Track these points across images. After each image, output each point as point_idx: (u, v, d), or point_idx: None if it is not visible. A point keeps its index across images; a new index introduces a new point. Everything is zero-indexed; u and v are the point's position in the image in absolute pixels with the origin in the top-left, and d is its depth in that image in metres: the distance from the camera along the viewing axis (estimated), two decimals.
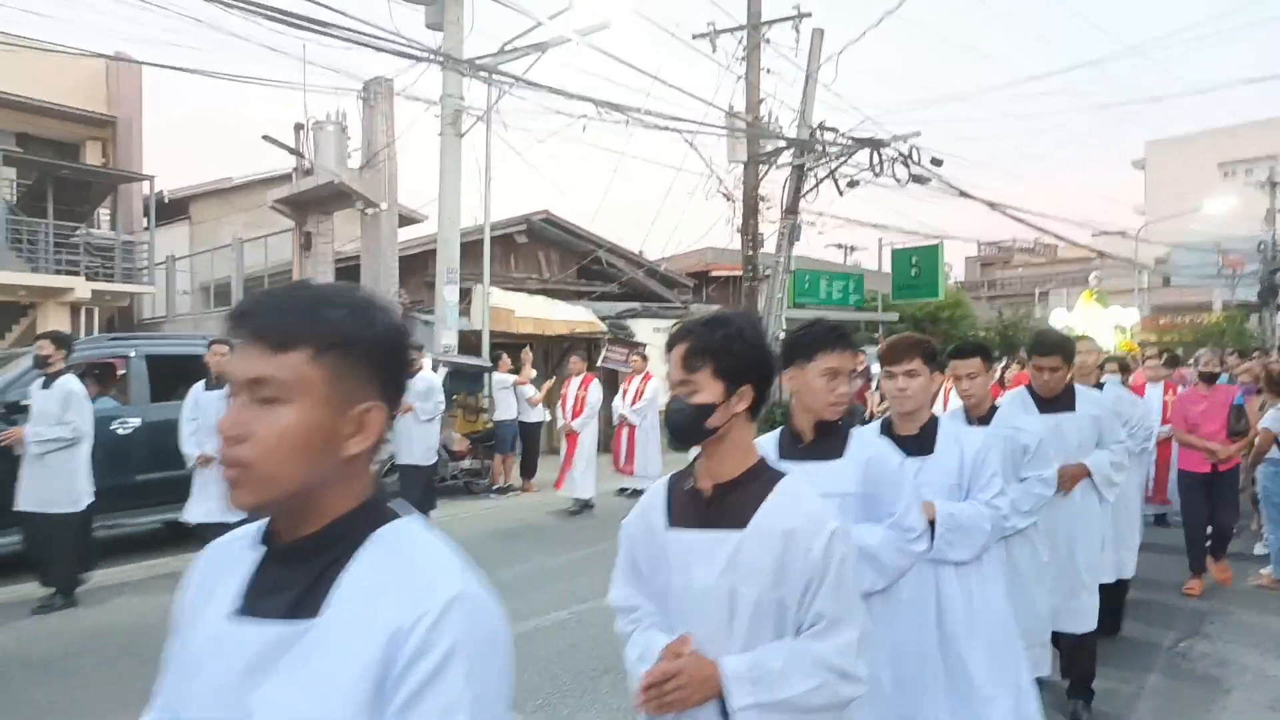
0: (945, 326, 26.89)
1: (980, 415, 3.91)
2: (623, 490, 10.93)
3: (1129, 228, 29.72)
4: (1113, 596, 5.18)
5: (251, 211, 21.87)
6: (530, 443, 12.15)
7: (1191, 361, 7.31)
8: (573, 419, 10.48)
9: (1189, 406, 6.87)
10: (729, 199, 15.79)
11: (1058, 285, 41.14)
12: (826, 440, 2.56)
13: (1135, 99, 46.41)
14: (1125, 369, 7.71)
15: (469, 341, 13.93)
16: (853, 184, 15.83)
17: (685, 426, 1.85)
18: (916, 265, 22.44)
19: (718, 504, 1.86)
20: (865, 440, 2.62)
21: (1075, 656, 4.40)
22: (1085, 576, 4.28)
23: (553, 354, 17.08)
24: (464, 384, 12.21)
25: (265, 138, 14.24)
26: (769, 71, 15.66)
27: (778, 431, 2.68)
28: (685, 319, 1.91)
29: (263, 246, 20.61)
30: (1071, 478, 4.25)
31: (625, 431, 10.96)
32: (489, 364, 12.30)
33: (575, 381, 10.78)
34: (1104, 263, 31.65)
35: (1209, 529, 6.85)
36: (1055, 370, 4.25)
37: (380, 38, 9.55)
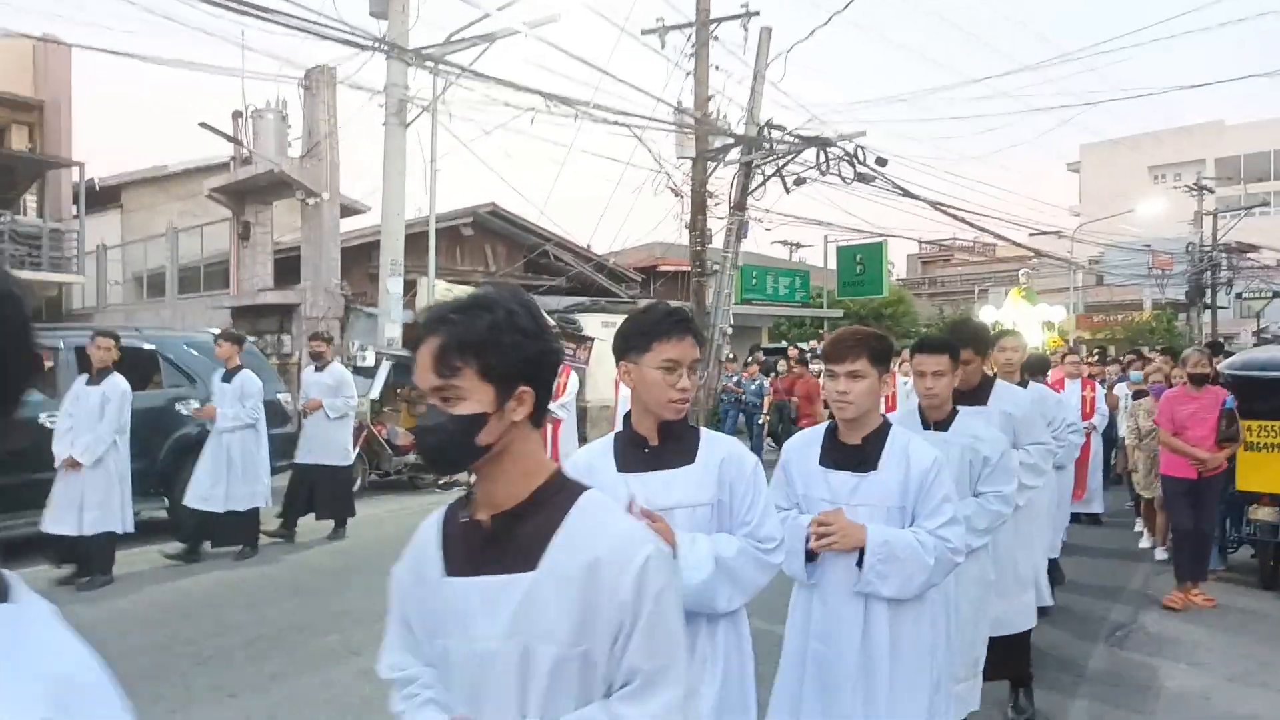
0: (889, 323, 27.32)
1: (940, 419, 3.47)
2: None
3: (1065, 228, 30.48)
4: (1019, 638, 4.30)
5: (187, 200, 21.27)
6: None
7: (1180, 361, 6.95)
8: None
9: (1177, 408, 6.35)
10: (677, 194, 15.82)
11: (996, 284, 42.02)
12: (674, 444, 2.25)
13: (1071, 103, 47.52)
14: (1043, 369, 6.99)
15: (414, 335, 13.71)
16: (799, 182, 15.97)
17: (448, 448, 1.43)
18: (861, 262, 22.76)
19: (499, 540, 1.44)
20: (717, 440, 2.32)
21: (1011, 656, 4.14)
22: (1024, 576, 4.21)
23: None
24: (408, 378, 12.03)
25: (203, 125, 13.86)
26: (718, 69, 15.73)
27: (611, 437, 2.36)
28: (436, 305, 1.49)
29: (199, 236, 20.08)
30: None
31: (549, 426, 10.86)
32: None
33: None
34: (1040, 262, 32.45)
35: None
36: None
37: (324, 24, 9.34)
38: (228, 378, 7.43)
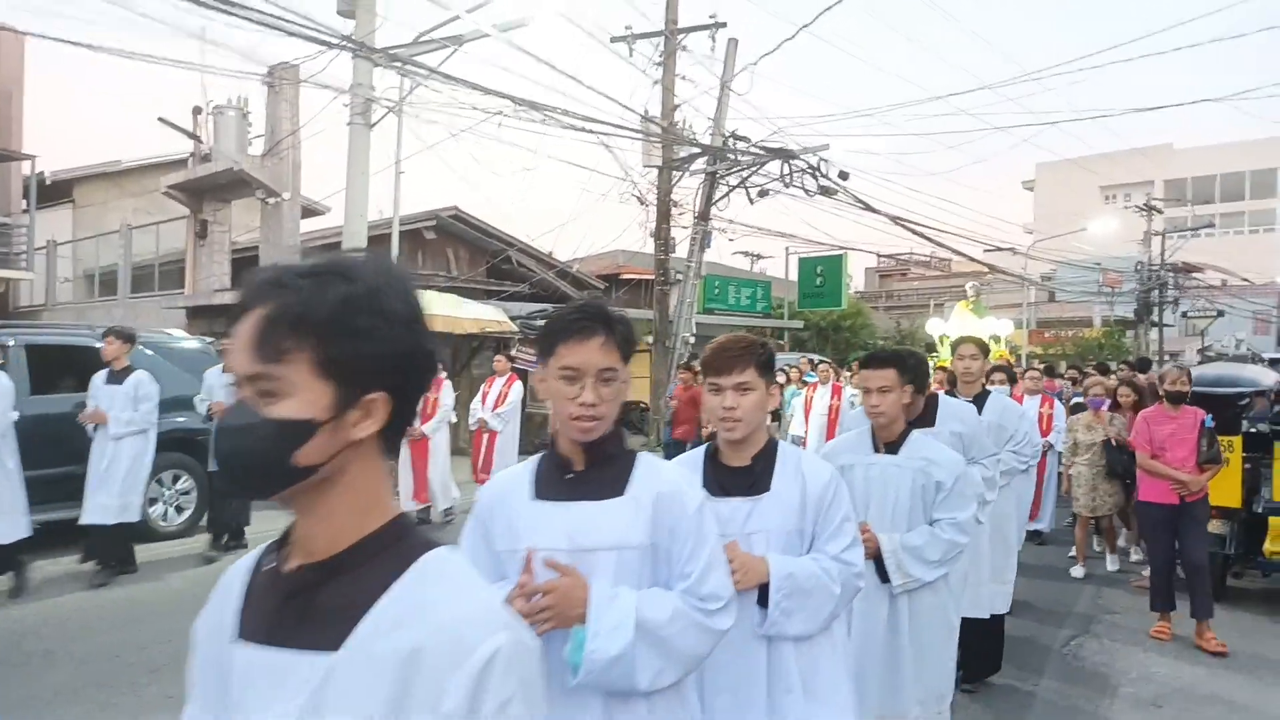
0: (847, 335, 27.64)
1: (890, 440, 3.27)
2: None
3: (1019, 245, 31.09)
4: (989, 637, 4.86)
5: (142, 197, 20.85)
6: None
7: (1157, 379, 6.71)
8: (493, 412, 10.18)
9: (1154, 428, 5.91)
10: (643, 203, 15.87)
11: (952, 298, 42.69)
12: (602, 470, 1.88)
13: (1030, 123, 48.52)
14: (1012, 378, 7.23)
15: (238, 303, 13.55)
16: (763, 193, 16.10)
17: (252, 462, 1.02)
18: (821, 275, 23.01)
19: (302, 601, 1.04)
20: (656, 469, 1.94)
21: (985, 644, 4.16)
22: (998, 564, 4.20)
23: (461, 353, 16.82)
24: None
25: (162, 120, 13.60)
26: (685, 78, 15.82)
27: (535, 459, 1.99)
28: (273, 266, 1.08)
29: (153, 233, 19.70)
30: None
31: (485, 438, 10.22)
32: None
33: (499, 380, 10.37)
34: (994, 277, 33.05)
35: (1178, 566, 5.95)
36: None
37: (290, 21, 9.22)
38: (117, 378, 6.86)
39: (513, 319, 16.35)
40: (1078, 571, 7.57)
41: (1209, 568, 5.93)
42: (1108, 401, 8.03)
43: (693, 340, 16.29)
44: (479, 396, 10.38)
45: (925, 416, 3.80)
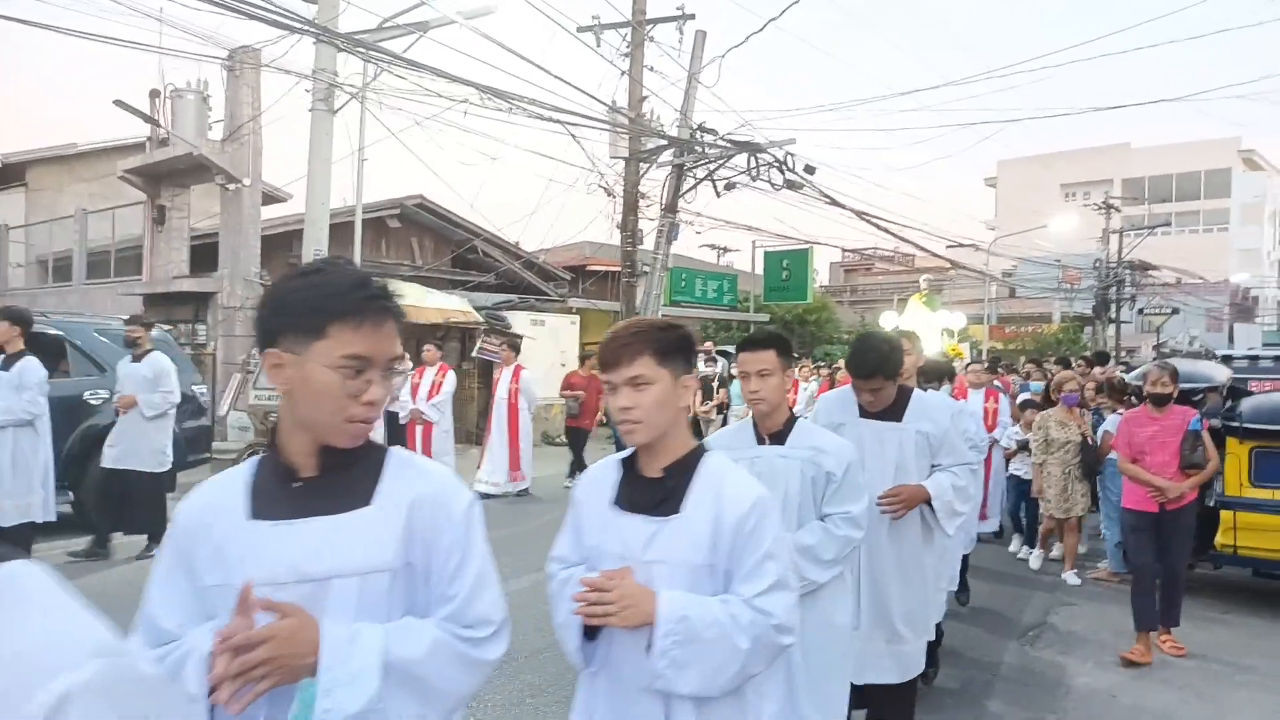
0: (812, 329, 27.82)
1: (774, 430, 2.97)
2: None
3: (981, 241, 31.48)
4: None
5: (97, 181, 20.42)
6: (394, 436, 11.67)
7: (1140, 379, 6.23)
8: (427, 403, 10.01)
9: (1135, 430, 5.63)
10: (610, 194, 15.82)
11: (914, 293, 43.18)
12: (339, 477, 1.51)
13: (993, 119, 49.10)
14: (949, 377, 6.73)
15: None
16: (730, 186, 16.12)
17: None
18: (787, 268, 23.12)
19: None
20: (413, 469, 1.58)
21: (890, 705, 3.63)
22: (909, 625, 3.55)
23: (426, 343, 16.72)
24: None
25: (118, 103, 13.29)
26: (652, 69, 15.77)
27: (249, 465, 1.58)
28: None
29: (109, 219, 19.29)
30: (908, 500, 3.45)
31: (420, 430, 9.97)
32: None
33: (430, 371, 10.22)
34: (956, 273, 33.45)
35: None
36: (879, 391, 3.49)
37: (252, 4, 9.05)
38: (5, 365, 6.39)
39: (478, 309, 16.25)
40: (1035, 561, 7.63)
41: (1182, 579, 5.70)
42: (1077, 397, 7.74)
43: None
44: (408, 388, 9.98)
45: (894, 411, 3.58)
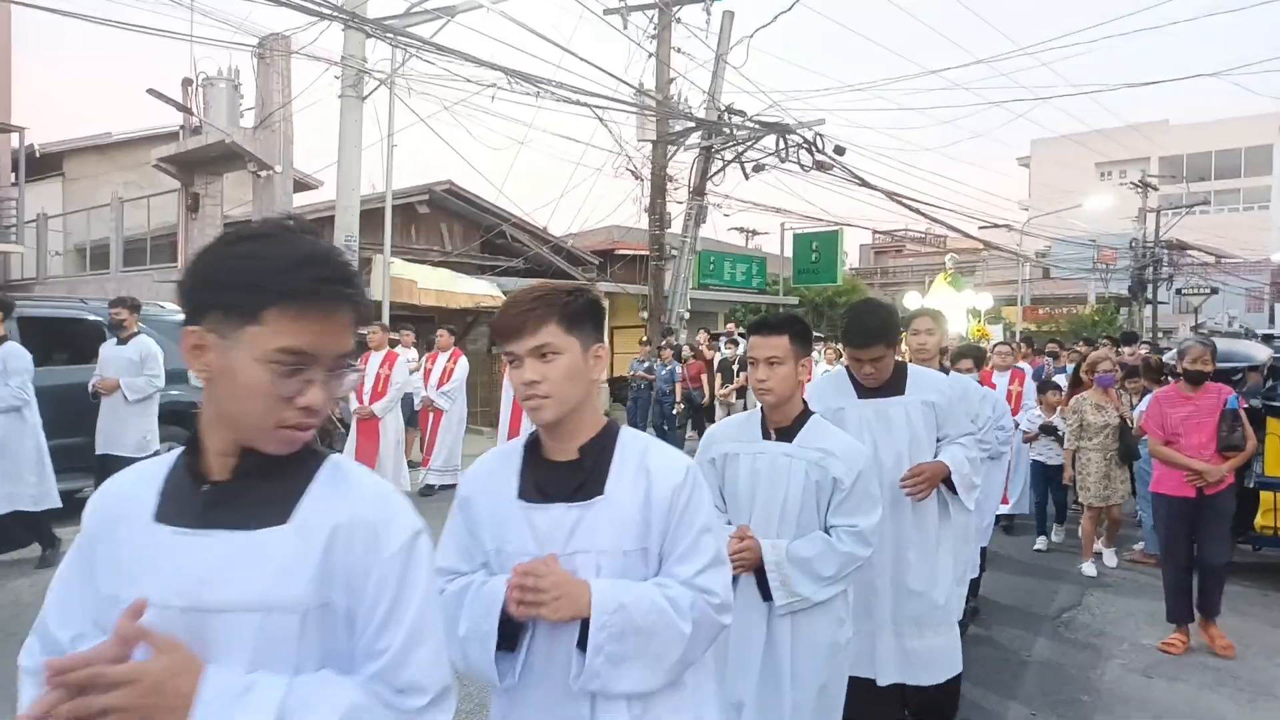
0: (842, 311, 27.63)
1: (782, 424, 2.71)
2: (429, 488, 9.52)
3: (1014, 221, 31.05)
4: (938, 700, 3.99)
5: (133, 170, 20.71)
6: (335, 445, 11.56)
7: (1175, 355, 5.85)
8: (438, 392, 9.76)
9: (1168, 411, 5.27)
10: (637, 177, 15.79)
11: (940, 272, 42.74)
12: (257, 484, 1.24)
13: (1025, 98, 48.29)
14: (979, 361, 6.35)
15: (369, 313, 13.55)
16: (759, 168, 16.04)
17: None
18: (816, 250, 22.97)
19: None
20: (348, 484, 1.29)
21: (934, 709, 3.50)
22: (935, 617, 3.33)
23: (457, 328, 16.84)
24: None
25: (151, 92, 13.45)
26: (679, 51, 15.69)
27: (169, 458, 1.32)
28: None
29: (145, 207, 19.57)
30: (930, 478, 3.24)
31: (431, 417, 9.71)
32: (394, 336, 11.96)
33: (443, 357, 9.86)
34: (989, 254, 33.05)
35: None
36: (879, 360, 3.22)
37: None
38: None
39: (506, 294, 16.33)
40: (1089, 569, 6.89)
41: (1223, 571, 5.31)
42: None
43: (687, 316, 16.27)
44: (421, 374, 9.84)
45: (893, 385, 3.34)
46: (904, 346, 4.30)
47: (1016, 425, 7.56)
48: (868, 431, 3.24)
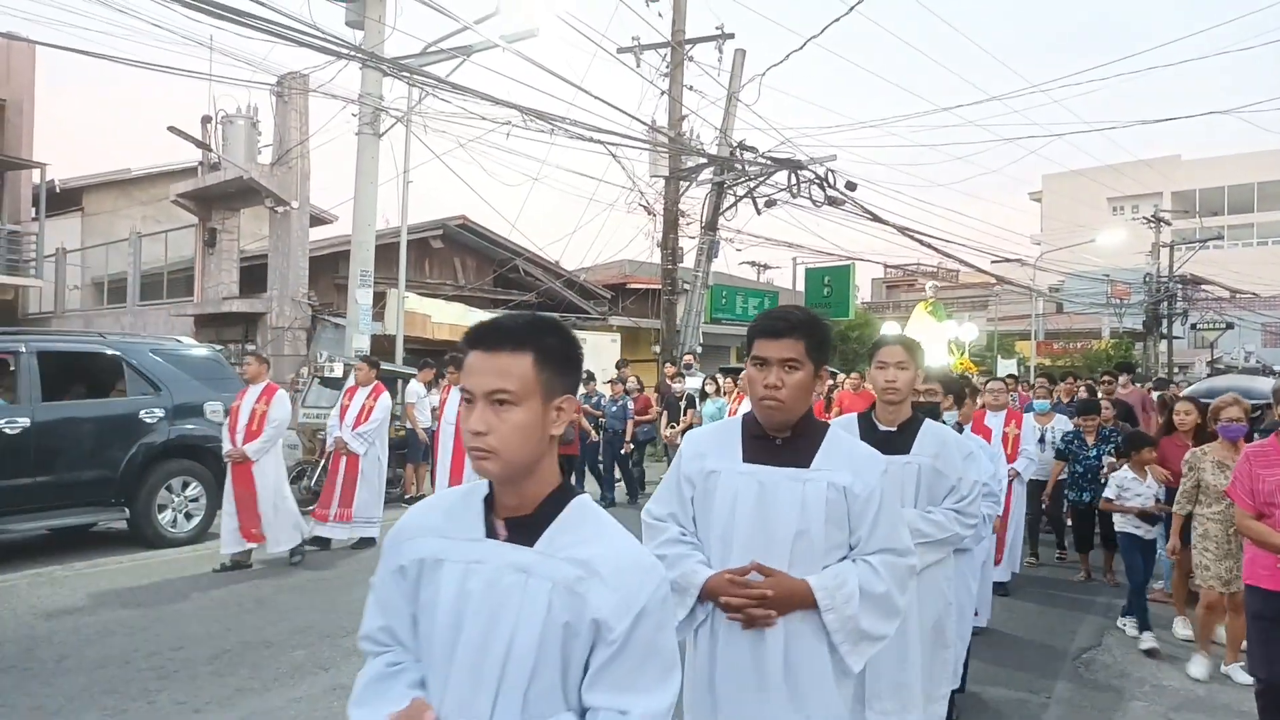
0: (855, 345, 27.62)
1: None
2: (317, 541, 8.01)
3: (1027, 256, 31.05)
4: None
5: (151, 205, 20.99)
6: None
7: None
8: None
9: (1260, 473, 3.86)
10: (650, 213, 15.90)
11: (959, 310, 42.68)
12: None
13: (1037, 134, 48.50)
14: (959, 399, 5.13)
15: (382, 346, 13.62)
16: (771, 204, 16.14)
17: None
18: (829, 285, 23.01)
19: None
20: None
21: None
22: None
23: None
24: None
25: (171, 129, 13.67)
26: (692, 89, 15.87)
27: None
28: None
29: (162, 241, 19.81)
30: (779, 602, 2.14)
31: (343, 462, 8.17)
32: (412, 370, 12.01)
33: (362, 392, 8.49)
34: (1002, 289, 32.98)
35: None
36: (794, 368, 2.18)
37: (301, 31, 9.28)
38: None
39: None
40: (1198, 670, 5.25)
41: None
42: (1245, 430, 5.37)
43: (700, 350, 16.28)
44: (337, 410, 8.49)
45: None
46: (868, 383, 3.71)
47: (1017, 474, 6.99)
48: (745, 509, 2.24)
